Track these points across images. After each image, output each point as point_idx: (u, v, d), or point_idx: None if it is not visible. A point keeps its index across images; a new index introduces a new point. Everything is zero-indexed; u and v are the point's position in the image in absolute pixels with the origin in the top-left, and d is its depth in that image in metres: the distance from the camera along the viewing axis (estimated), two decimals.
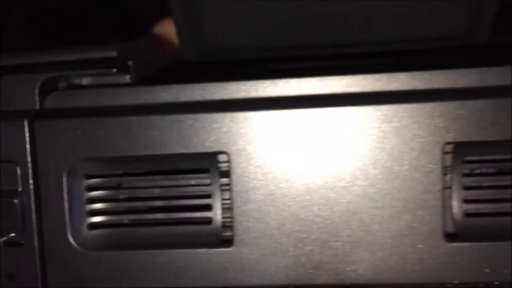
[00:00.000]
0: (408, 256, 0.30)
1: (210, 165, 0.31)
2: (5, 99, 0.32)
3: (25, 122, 0.31)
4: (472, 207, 0.30)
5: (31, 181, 0.31)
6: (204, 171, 0.32)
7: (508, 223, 0.30)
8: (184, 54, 0.47)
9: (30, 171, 0.31)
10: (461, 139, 0.29)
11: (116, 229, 0.32)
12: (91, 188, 0.32)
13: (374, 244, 0.30)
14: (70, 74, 0.33)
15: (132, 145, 0.31)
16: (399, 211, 0.30)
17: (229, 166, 0.30)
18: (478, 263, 0.29)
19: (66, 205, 0.31)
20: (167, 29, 0.66)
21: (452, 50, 0.41)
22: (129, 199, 0.32)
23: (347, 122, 0.30)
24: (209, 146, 0.30)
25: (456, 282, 0.30)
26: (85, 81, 0.33)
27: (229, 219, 0.31)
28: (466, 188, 0.30)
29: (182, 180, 0.32)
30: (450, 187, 0.30)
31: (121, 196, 0.33)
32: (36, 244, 0.31)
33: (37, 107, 0.32)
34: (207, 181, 0.32)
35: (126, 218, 0.32)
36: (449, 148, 0.30)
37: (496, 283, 0.30)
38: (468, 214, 0.30)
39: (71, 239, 0.31)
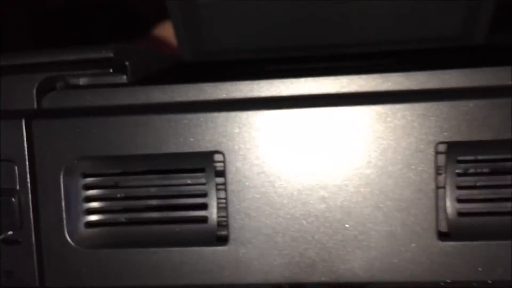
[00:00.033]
0: (402, 255, 0.30)
1: (206, 164, 0.32)
2: (3, 99, 0.32)
3: (23, 122, 0.32)
4: (466, 206, 0.31)
5: (28, 180, 0.32)
6: (200, 170, 0.32)
7: (502, 223, 0.30)
8: (182, 55, 0.48)
9: (27, 170, 0.32)
10: (454, 138, 0.29)
11: (113, 227, 0.33)
12: (88, 187, 0.33)
13: (368, 243, 0.30)
14: (67, 74, 0.33)
15: (129, 144, 0.31)
16: (393, 210, 0.30)
17: (224, 166, 0.31)
18: (471, 262, 0.30)
19: (63, 203, 0.32)
20: (167, 31, 0.67)
21: (448, 50, 0.41)
22: (125, 198, 0.33)
23: (341, 122, 0.30)
24: (204, 145, 0.31)
25: (449, 280, 0.30)
26: (82, 81, 0.34)
27: (224, 218, 0.32)
28: (460, 187, 0.31)
29: (178, 179, 0.33)
30: (443, 187, 0.31)
31: (118, 195, 0.33)
32: (33, 242, 0.32)
33: (35, 106, 0.32)
34: (202, 180, 0.32)
35: (122, 217, 0.33)
36: (442, 147, 0.30)
37: (489, 281, 0.30)
38: (461, 214, 0.31)
39: (68, 237, 0.32)
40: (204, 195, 0.32)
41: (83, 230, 0.33)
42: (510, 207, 0.31)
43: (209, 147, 0.31)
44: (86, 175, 0.33)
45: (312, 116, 0.30)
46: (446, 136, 0.29)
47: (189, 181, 0.33)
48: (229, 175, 0.31)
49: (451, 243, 0.30)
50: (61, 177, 0.32)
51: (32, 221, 0.32)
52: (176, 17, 0.47)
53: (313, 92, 0.31)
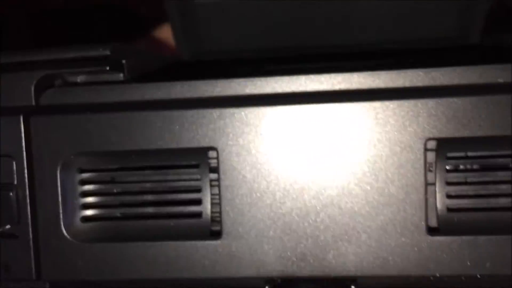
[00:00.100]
0: (391, 249, 0.31)
1: (200, 160, 0.33)
2: (2, 96, 0.34)
3: (21, 118, 0.33)
4: (455, 202, 0.32)
5: (26, 175, 0.33)
6: (194, 166, 0.34)
7: (490, 218, 0.31)
8: (181, 55, 0.49)
9: (25, 165, 0.33)
10: (443, 135, 0.31)
11: (109, 222, 0.34)
12: (84, 182, 0.34)
13: (359, 238, 0.32)
14: (65, 72, 0.35)
15: (124, 140, 0.33)
16: (383, 205, 0.31)
17: (217, 161, 0.32)
18: (460, 256, 0.31)
19: (60, 198, 0.33)
20: (167, 33, 0.68)
21: (442, 50, 0.43)
22: (121, 193, 0.34)
23: (333, 118, 0.31)
24: (198, 141, 0.32)
25: (438, 274, 0.31)
26: (80, 78, 0.35)
27: (218, 213, 0.33)
28: (449, 183, 0.32)
29: (173, 175, 0.34)
30: (433, 182, 0.32)
31: (114, 190, 0.34)
32: (30, 236, 0.33)
33: (33, 103, 0.34)
34: (197, 176, 0.34)
35: (118, 212, 0.34)
36: (431, 144, 0.31)
37: (478, 275, 0.31)
38: (450, 209, 0.32)
39: (64, 231, 0.33)
40: (198, 190, 0.34)
41: (79, 224, 0.34)
42: (499, 203, 0.32)
43: (203, 143, 0.32)
44: (82, 171, 0.34)
45: (304, 113, 0.31)
46: (435, 133, 0.31)
47: (183, 177, 0.34)
48: (223, 171, 0.32)
49: (440, 237, 0.31)
50: (58, 172, 0.33)
51: (29, 215, 0.33)
52: (174, 17, 0.48)
53: (305, 89, 0.32)
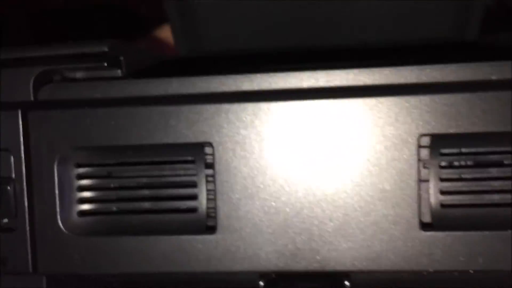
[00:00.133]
0: (385, 244, 0.32)
1: (196, 156, 0.34)
2: (0, 91, 0.35)
3: (19, 113, 0.34)
4: (448, 198, 0.33)
5: (24, 169, 0.34)
6: (190, 162, 0.34)
7: (484, 214, 0.32)
8: (179, 51, 0.49)
9: (23, 159, 0.34)
10: (436, 131, 0.31)
11: (105, 216, 0.35)
12: (81, 177, 0.35)
13: (353, 233, 0.32)
14: (63, 67, 0.35)
15: (121, 135, 0.33)
16: (377, 201, 0.32)
17: (213, 157, 0.33)
18: (453, 252, 0.31)
19: (57, 192, 0.34)
20: (167, 33, 0.69)
21: (438, 48, 0.43)
22: (118, 188, 0.35)
23: (327, 114, 0.32)
24: (194, 137, 0.33)
25: (431, 270, 0.32)
26: (78, 74, 0.36)
27: (214, 209, 0.34)
28: (443, 179, 0.33)
29: (169, 170, 0.35)
30: (427, 179, 0.32)
31: (111, 185, 0.35)
32: (27, 229, 0.34)
33: (31, 98, 0.34)
34: (193, 171, 0.34)
35: (114, 206, 0.35)
36: (425, 140, 0.32)
37: (470, 271, 0.32)
38: (444, 205, 0.32)
39: (61, 225, 0.34)
40: (194, 185, 0.34)
41: (76, 218, 0.35)
42: (492, 199, 0.32)
43: (199, 139, 0.33)
44: (79, 165, 0.35)
45: (299, 109, 0.32)
46: (429, 129, 0.31)
47: (179, 172, 0.35)
48: (218, 166, 0.33)
49: (433, 233, 0.32)
50: (55, 166, 0.34)
51: (26, 209, 0.34)
52: (173, 16, 0.49)
53: (300, 86, 0.33)
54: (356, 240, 0.32)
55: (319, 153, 0.32)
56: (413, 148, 0.31)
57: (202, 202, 0.34)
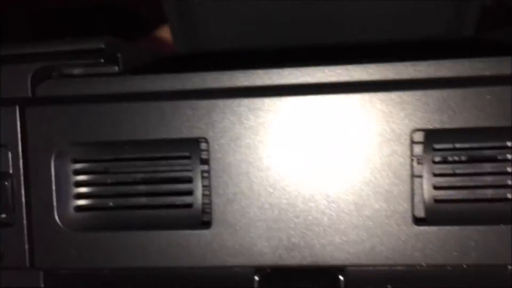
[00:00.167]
0: (379, 239, 0.32)
1: (192, 151, 0.35)
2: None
3: (17, 109, 0.35)
4: (442, 193, 0.33)
5: (21, 165, 0.35)
6: (186, 157, 0.35)
7: (477, 209, 0.33)
8: (178, 49, 0.50)
9: (20, 155, 0.35)
10: (429, 126, 0.32)
11: (102, 211, 0.35)
12: (78, 172, 0.35)
13: (347, 228, 0.33)
14: (61, 64, 0.36)
15: (118, 131, 0.34)
16: (370, 196, 0.32)
17: (208, 152, 0.33)
18: (446, 246, 0.32)
19: (53, 188, 0.34)
20: (167, 33, 0.70)
21: (433, 44, 0.44)
22: (114, 184, 0.36)
23: (320, 110, 0.32)
24: (189, 132, 0.33)
25: (424, 264, 0.32)
26: (75, 71, 0.36)
27: (209, 205, 0.34)
28: (436, 175, 0.33)
29: (165, 166, 0.35)
30: (420, 173, 0.33)
31: (107, 181, 0.36)
32: (25, 224, 0.35)
33: (29, 95, 0.35)
34: (188, 167, 0.35)
35: (111, 202, 0.35)
36: (417, 135, 0.32)
37: (464, 265, 0.32)
38: (437, 200, 0.33)
39: (58, 220, 0.35)
40: (190, 181, 0.35)
41: (72, 214, 0.35)
42: (485, 194, 0.33)
43: (194, 134, 0.33)
44: (76, 161, 0.35)
45: (293, 104, 0.33)
46: (422, 124, 0.32)
47: (175, 168, 0.35)
48: (213, 161, 0.33)
49: (426, 227, 0.32)
50: (52, 162, 0.34)
51: (24, 204, 0.35)
52: (172, 16, 0.50)
53: (295, 81, 0.33)
54: (350, 234, 0.33)
55: (313, 149, 0.33)
56: (406, 143, 0.32)
57: (198, 197, 0.35)
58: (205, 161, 0.34)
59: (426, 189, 0.33)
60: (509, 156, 0.33)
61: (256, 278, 0.34)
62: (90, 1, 0.73)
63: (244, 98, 0.33)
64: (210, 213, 0.34)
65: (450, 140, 0.33)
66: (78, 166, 0.35)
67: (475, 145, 0.33)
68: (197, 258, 0.34)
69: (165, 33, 0.74)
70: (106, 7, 0.74)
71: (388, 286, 0.33)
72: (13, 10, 0.69)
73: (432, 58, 0.33)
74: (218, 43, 0.51)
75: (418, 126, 0.32)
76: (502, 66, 0.32)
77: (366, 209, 0.32)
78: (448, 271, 0.33)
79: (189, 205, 0.35)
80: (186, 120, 0.33)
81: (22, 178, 0.35)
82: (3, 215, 0.35)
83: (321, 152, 0.33)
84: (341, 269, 0.33)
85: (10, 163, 0.35)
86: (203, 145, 0.34)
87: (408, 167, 0.32)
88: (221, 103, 0.33)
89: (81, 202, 0.35)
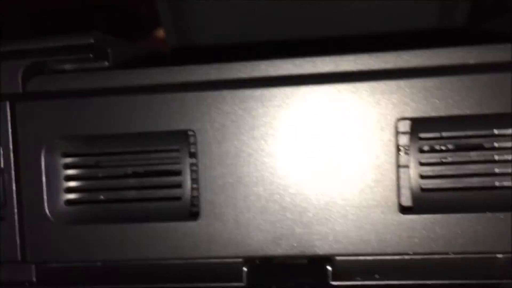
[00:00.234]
0: (365, 228, 0.33)
1: (180, 144, 0.35)
2: None
3: (7, 104, 0.35)
4: (428, 182, 0.33)
5: (12, 159, 0.35)
6: (175, 150, 0.35)
7: (463, 197, 0.33)
8: (170, 44, 0.51)
9: (11, 149, 0.35)
10: (414, 115, 0.32)
11: (92, 205, 0.36)
12: (68, 166, 0.36)
13: (334, 218, 0.33)
14: (51, 59, 0.37)
15: (106, 124, 0.35)
16: (357, 185, 0.33)
17: (195, 144, 0.34)
18: (432, 235, 0.32)
19: (44, 182, 0.35)
20: None
21: (424, 34, 0.44)
22: (104, 177, 0.36)
23: (307, 101, 0.33)
24: (177, 124, 0.34)
25: (411, 253, 0.32)
26: (66, 66, 0.37)
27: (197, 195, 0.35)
28: (422, 164, 0.33)
29: (154, 159, 0.36)
30: (406, 163, 0.33)
31: (98, 175, 0.36)
32: (16, 218, 0.35)
33: (20, 90, 0.36)
34: (177, 160, 0.36)
35: (101, 195, 0.36)
36: (403, 124, 0.33)
37: (451, 253, 0.32)
38: (424, 189, 0.33)
39: (48, 214, 0.35)
40: (179, 173, 0.35)
41: (63, 207, 0.36)
42: (472, 182, 0.33)
43: (182, 127, 0.34)
44: (66, 155, 0.36)
45: (279, 96, 0.33)
46: (407, 113, 0.32)
47: (164, 161, 0.36)
48: (200, 153, 0.34)
49: (413, 216, 0.32)
50: (42, 156, 0.35)
51: (15, 198, 0.35)
52: (164, 10, 0.50)
53: (281, 73, 0.34)
54: (337, 224, 0.33)
55: (300, 140, 0.33)
56: (392, 132, 0.32)
57: (187, 190, 0.35)
58: (194, 154, 0.35)
59: (413, 178, 0.33)
60: (496, 144, 0.33)
61: (245, 269, 0.34)
62: (90, 1, 0.74)
63: (231, 90, 0.34)
64: (198, 204, 0.34)
65: (436, 129, 0.33)
66: (68, 160, 0.36)
67: (461, 133, 0.33)
68: (186, 249, 0.34)
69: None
70: (106, 7, 0.75)
71: (376, 276, 0.33)
72: (13, 10, 0.70)
73: (418, 48, 0.33)
74: (208, 36, 0.51)
75: (403, 115, 0.32)
76: (487, 55, 0.32)
77: (353, 199, 0.33)
78: (437, 262, 0.33)
79: (178, 198, 0.35)
80: (174, 112, 0.34)
81: (13, 172, 0.35)
82: None
83: (307, 143, 0.33)
84: (328, 259, 0.34)
85: (1, 158, 0.35)
86: (192, 138, 0.35)
87: (393, 156, 0.32)
88: (209, 95, 0.34)
89: (72, 195, 0.36)
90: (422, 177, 0.33)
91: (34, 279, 0.37)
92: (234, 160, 0.34)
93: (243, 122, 0.33)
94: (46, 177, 0.35)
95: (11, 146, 0.35)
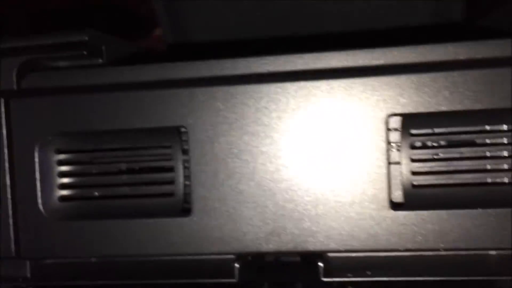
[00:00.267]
0: (357, 225, 0.33)
1: (173, 141, 0.36)
2: None
3: (2, 101, 0.36)
4: (419, 178, 0.33)
5: (6, 156, 0.36)
6: (167, 147, 0.36)
7: (453, 193, 0.33)
8: (166, 40, 0.51)
9: (5, 146, 0.36)
10: (404, 111, 0.32)
11: (85, 201, 0.36)
12: (62, 163, 0.36)
13: (325, 215, 0.33)
14: (46, 57, 0.37)
15: (100, 121, 0.35)
16: (348, 182, 0.33)
17: (187, 139, 0.34)
18: (423, 231, 0.32)
19: (37, 178, 0.35)
20: None
21: (418, 30, 0.44)
22: (98, 174, 0.37)
23: (296, 97, 0.33)
24: (169, 121, 0.34)
25: (402, 249, 0.33)
26: (61, 63, 0.37)
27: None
28: (413, 160, 0.33)
29: (148, 156, 0.36)
30: (398, 159, 0.33)
31: (92, 171, 0.37)
32: (10, 215, 0.36)
33: (15, 87, 0.36)
34: (170, 157, 0.36)
35: (94, 191, 0.36)
36: (394, 120, 0.33)
37: (441, 250, 0.32)
38: (415, 186, 0.33)
39: (42, 210, 0.36)
40: (171, 169, 0.36)
41: (57, 203, 0.36)
42: (463, 178, 0.33)
43: (174, 123, 0.34)
44: (60, 151, 0.36)
45: (269, 92, 0.33)
46: (397, 109, 0.32)
47: (157, 157, 0.36)
48: (192, 150, 0.34)
49: (404, 212, 0.32)
50: (36, 153, 0.35)
51: (9, 195, 0.36)
52: (159, 7, 0.51)
53: (272, 69, 0.34)
54: (329, 221, 0.33)
55: (291, 136, 0.33)
56: (382, 129, 0.32)
57: (179, 186, 0.36)
58: (186, 151, 0.35)
59: (404, 174, 0.33)
60: (488, 141, 0.33)
61: (237, 265, 0.34)
62: (90, 1, 0.75)
63: (223, 87, 0.34)
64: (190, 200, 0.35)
65: (428, 125, 0.33)
66: (62, 156, 0.36)
67: (453, 129, 0.33)
68: (178, 246, 0.34)
69: None
70: (106, 7, 0.75)
71: (368, 272, 0.34)
72: (13, 10, 0.70)
73: (408, 44, 0.33)
74: (203, 34, 0.51)
75: (394, 111, 0.32)
76: (478, 50, 0.32)
77: (344, 195, 0.33)
78: (429, 258, 0.33)
79: (170, 194, 0.36)
80: (167, 109, 0.34)
81: (7, 168, 0.36)
82: None
83: (299, 139, 0.33)
84: (320, 255, 0.34)
85: None
86: (185, 135, 0.35)
87: (384, 153, 0.32)
88: (201, 92, 0.34)
89: (65, 192, 0.36)
90: (414, 173, 0.33)
91: (29, 275, 0.37)
92: (226, 156, 0.34)
93: (235, 119, 0.34)
94: (40, 173, 0.36)
95: (5, 143, 0.36)
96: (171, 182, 0.36)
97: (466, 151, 0.33)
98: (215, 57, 0.35)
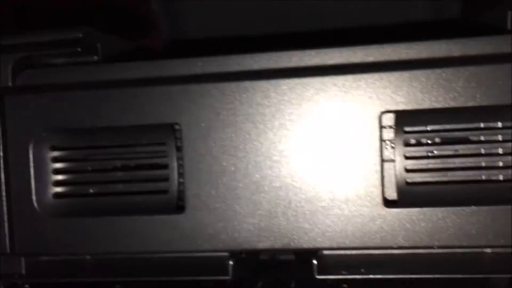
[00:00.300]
0: (351, 222, 0.33)
1: (167, 138, 0.36)
2: None
3: None
4: (413, 175, 0.33)
5: (1, 152, 0.36)
6: (162, 144, 0.36)
7: (447, 190, 0.33)
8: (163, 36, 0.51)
9: (0, 143, 0.36)
10: (398, 108, 0.32)
11: (80, 198, 0.36)
12: (56, 160, 0.36)
13: (319, 212, 0.33)
14: (41, 54, 0.37)
15: (94, 118, 0.35)
16: (342, 180, 0.33)
17: (181, 136, 0.34)
18: (417, 228, 0.32)
19: (32, 175, 0.36)
20: None
21: (414, 26, 0.44)
22: (92, 171, 0.37)
23: (290, 94, 0.33)
24: (163, 117, 0.34)
25: (396, 246, 0.33)
26: (56, 60, 0.38)
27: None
28: (407, 157, 0.33)
29: (142, 153, 0.36)
30: (391, 157, 0.33)
31: (85, 168, 0.37)
32: (5, 211, 0.36)
33: (10, 84, 0.36)
34: (164, 154, 0.36)
35: (89, 188, 0.36)
36: (387, 118, 0.33)
37: (435, 248, 0.32)
38: (409, 183, 0.33)
39: (37, 207, 0.36)
40: (165, 167, 0.36)
41: (51, 200, 0.36)
42: (458, 176, 0.33)
43: (168, 120, 0.34)
44: (54, 148, 0.36)
45: (262, 89, 0.33)
46: (390, 106, 0.32)
47: (152, 154, 0.36)
48: (186, 146, 0.34)
49: (397, 210, 0.32)
50: (31, 150, 0.36)
51: (3, 191, 0.36)
52: (158, 7, 0.51)
53: (265, 66, 0.34)
54: (322, 218, 0.33)
55: (284, 133, 0.33)
56: (376, 126, 0.32)
57: (173, 183, 0.36)
58: (181, 148, 0.35)
59: (398, 172, 0.33)
60: (482, 138, 0.33)
61: (231, 263, 0.34)
62: (90, 1, 0.75)
63: (217, 84, 0.34)
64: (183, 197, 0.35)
65: (421, 122, 0.33)
66: (57, 153, 0.37)
67: (447, 127, 0.33)
68: (172, 243, 0.35)
69: None
70: (106, 7, 0.76)
71: (362, 270, 0.34)
72: (12, 10, 0.71)
73: (402, 41, 0.33)
74: (199, 31, 0.51)
75: (387, 108, 0.32)
76: (471, 47, 0.32)
77: (338, 193, 0.33)
78: (423, 256, 0.33)
79: (164, 191, 0.36)
80: (161, 106, 0.34)
81: (1, 165, 0.36)
82: None
83: (292, 136, 0.33)
84: (314, 253, 0.34)
85: None
86: (179, 133, 0.35)
87: (378, 150, 0.32)
88: (194, 88, 0.34)
89: (60, 189, 0.37)
90: (408, 170, 0.33)
91: (24, 272, 0.37)
92: (220, 153, 0.34)
93: (228, 116, 0.34)
94: (35, 170, 0.36)
95: (0, 139, 0.36)
96: (165, 179, 0.36)
97: (460, 148, 0.33)
98: (210, 54, 0.35)
